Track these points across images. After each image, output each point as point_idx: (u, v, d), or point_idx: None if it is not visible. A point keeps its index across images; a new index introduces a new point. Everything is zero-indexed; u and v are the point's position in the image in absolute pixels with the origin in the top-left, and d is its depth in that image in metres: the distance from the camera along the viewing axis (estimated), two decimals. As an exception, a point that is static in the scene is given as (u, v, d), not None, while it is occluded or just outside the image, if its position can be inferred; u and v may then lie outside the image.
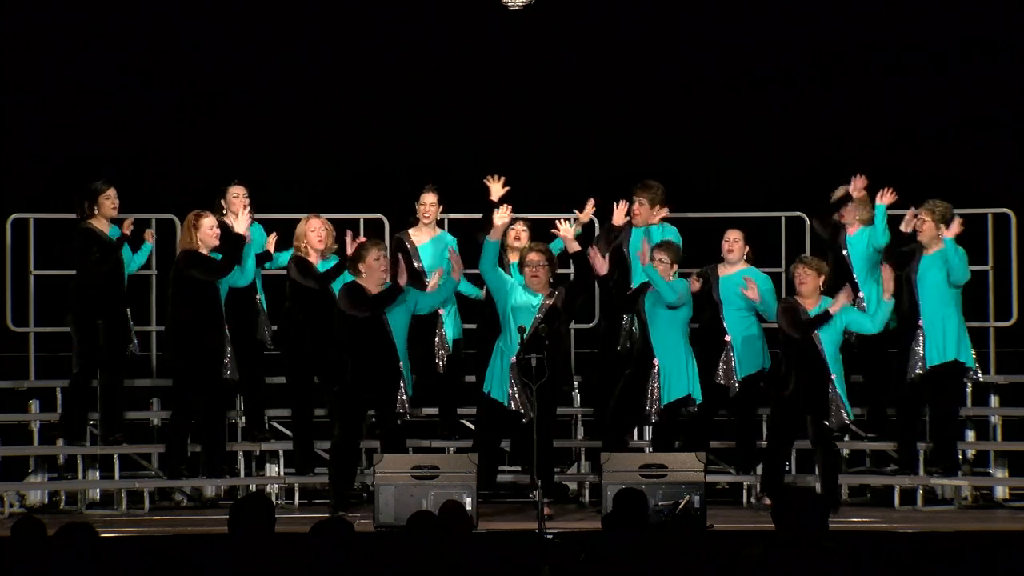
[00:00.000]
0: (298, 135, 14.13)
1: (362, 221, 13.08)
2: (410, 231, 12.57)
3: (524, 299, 11.56)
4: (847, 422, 11.67)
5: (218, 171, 13.30)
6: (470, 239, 12.57)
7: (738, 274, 12.18)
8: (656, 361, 11.80)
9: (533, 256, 11.67)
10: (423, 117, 14.11)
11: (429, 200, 12.53)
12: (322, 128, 14.18)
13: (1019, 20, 14.04)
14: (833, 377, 11.61)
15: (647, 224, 12.40)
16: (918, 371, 11.94)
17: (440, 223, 12.76)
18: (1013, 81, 14.13)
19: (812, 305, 11.71)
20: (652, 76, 14.26)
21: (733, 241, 12.24)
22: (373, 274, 11.58)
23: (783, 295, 12.29)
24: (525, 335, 11.36)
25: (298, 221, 12.53)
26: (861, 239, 12.33)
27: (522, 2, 12.67)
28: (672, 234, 12.45)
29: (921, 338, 11.94)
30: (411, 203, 12.62)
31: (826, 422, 11.61)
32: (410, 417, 11.83)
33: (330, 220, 12.51)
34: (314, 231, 12.26)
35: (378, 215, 13.10)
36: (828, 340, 11.65)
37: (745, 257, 12.26)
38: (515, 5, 12.68)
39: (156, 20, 14.07)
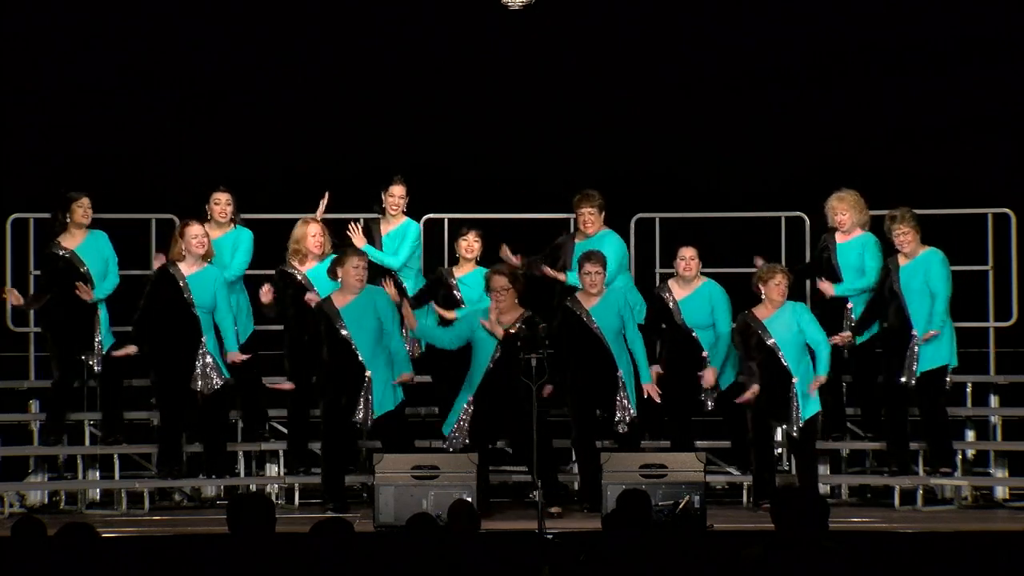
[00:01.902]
0: (298, 135, 14.13)
1: (362, 221, 13.07)
2: (380, 221, 12.57)
3: (485, 333, 11.53)
4: (799, 428, 11.66)
5: (218, 171, 13.31)
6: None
7: (697, 292, 12.16)
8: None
9: (497, 280, 11.61)
10: (423, 117, 14.11)
11: (398, 192, 12.52)
12: (322, 128, 14.17)
13: (1019, 20, 14.03)
14: (795, 380, 11.64)
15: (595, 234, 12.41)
16: (913, 378, 11.93)
17: (439, 223, 12.74)
18: (1013, 81, 14.12)
19: (771, 314, 11.71)
20: (652, 76, 14.26)
21: (689, 259, 12.17)
22: (348, 281, 11.64)
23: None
24: (485, 367, 11.33)
25: (296, 221, 12.55)
26: (852, 247, 12.29)
27: (522, 2, 12.67)
28: (614, 241, 12.45)
29: (916, 344, 11.93)
30: (379, 194, 12.60)
31: (784, 426, 11.65)
32: (399, 421, 11.78)
33: (330, 220, 12.50)
34: (313, 236, 12.26)
35: (378, 215, 13.09)
36: (785, 343, 11.64)
37: (699, 272, 12.25)
38: (515, 5, 12.68)
39: (156, 20, 14.06)
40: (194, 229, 11.98)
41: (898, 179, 13.26)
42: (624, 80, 14.24)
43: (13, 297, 12.21)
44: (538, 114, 14.15)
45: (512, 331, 11.50)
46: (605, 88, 14.23)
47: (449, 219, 13.12)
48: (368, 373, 11.59)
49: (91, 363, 12.22)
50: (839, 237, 12.35)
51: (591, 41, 14.24)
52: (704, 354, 12.11)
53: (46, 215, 12.86)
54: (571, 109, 14.20)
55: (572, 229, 12.82)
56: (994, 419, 12.68)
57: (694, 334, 12.13)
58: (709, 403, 12.13)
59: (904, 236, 11.99)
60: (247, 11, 14.11)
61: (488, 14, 13.16)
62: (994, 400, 12.77)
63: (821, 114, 14.19)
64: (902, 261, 12.04)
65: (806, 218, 13.14)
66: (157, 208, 13.12)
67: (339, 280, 11.75)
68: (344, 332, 11.60)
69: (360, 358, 11.59)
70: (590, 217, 12.42)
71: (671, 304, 12.16)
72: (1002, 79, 14.12)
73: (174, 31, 14.10)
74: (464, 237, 12.35)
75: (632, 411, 11.77)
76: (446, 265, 12.77)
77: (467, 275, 12.28)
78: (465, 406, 11.60)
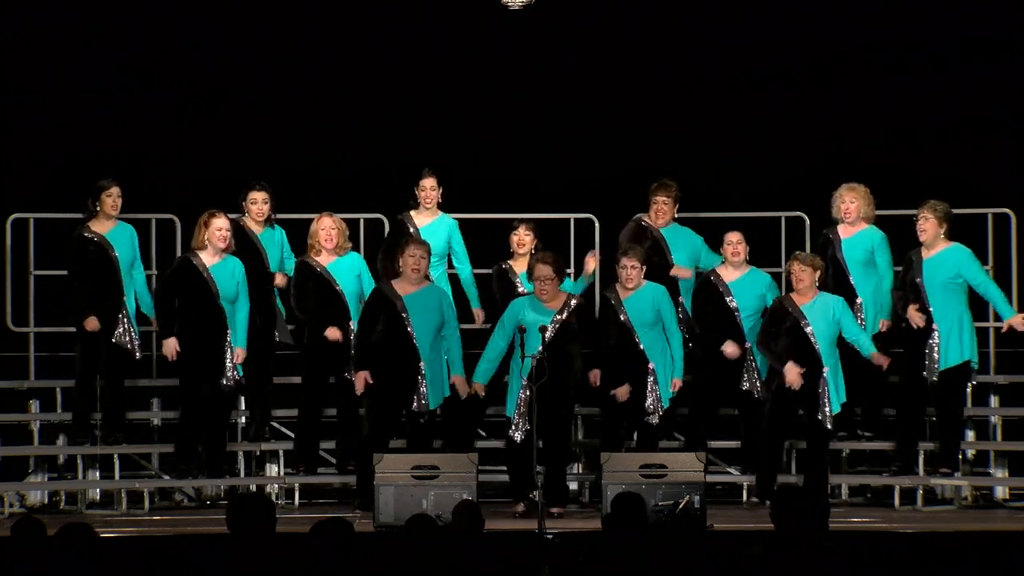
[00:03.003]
0: (298, 135, 14.13)
1: (362, 221, 13.08)
2: (412, 213, 12.57)
3: (535, 317, 11.53)
4: (829, 416, 11.69)
5: (218, 171, 13.32)
6: (464, 235, 12.62)
7: (746, 276, 12.18)
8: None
9: (541, 269, 11.60)
10: (423, 117, 14.11)
11: (429, 184, 12.53)
12: (322, 128, 14.17)
13: (1019, 20, 14.04)
14: (825, 370, 11.66)
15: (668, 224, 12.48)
16: (936, 375, 11.94)
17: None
18: (1013, 81, 14.13)
19: (806, 301, 11.75)
20: (652, 76, 14.26)
21: (737, 243, 12.19)
22: (405, 271, 11.65)
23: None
24: (535, 357, 11.27)
25: (297, 221, 12.58)
26: (859, 242, 12.30)
27: (522, 2, 12.67)
28: (687, 235, 12.51)
29: (936, 339, 11.94)
30: (410, 189, 12.60)
31: (819, 416, 11.68)
32: (432, 418, 11.81)
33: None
34: (324, 230, 12.24)
35: (378, 215, 13.09)
36: (820, 333, 11.68)
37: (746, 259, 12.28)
38: (515, 5, 12.68)
39: (156, 20, 14.06)
40: (219, 221, 11.91)
41: (898, 179, 13.26)
42: (624, 80, 14.24)
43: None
44: (538, 114, 14.16)
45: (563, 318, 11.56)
46: (605, 88, 14.24)
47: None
48: (422, 364, 11.59)
49: (134, 350, 12.19)
50: (843, 231, 12.34)
51: (591, 41, 14.24)
52: (748, 345, 12.10)
53: (46, 215, 12.90)
54: (571, 109, 14.20)
55: (635, 224, 12.67)
56: (994, 419, 12.68)
57: (739, 321, 12.12)
58: (756, 392, 12.09)
59: (923, 223, 11.97)
60: (247, 11, 14.11)
61: (488, 14, 13.16)
62: (994, 400, 12.77)
63: (821, 114, 14.20)
64: (925, 254, 12.03)
65: (806, 218, 13.14)
66: (157, 208, 13.12)
67: (399, 266, 11.73)
68: (406, 320, 11.58)
69: (417, 348, 11.59)
70: (664, 206, 12.47)
71: (721, 287, 12.16)
72: (1002, 79, 14.12)
73: (174, 31, 14.10)
74: (515, 232, 12.37)
75: (663, 404, 11.79)
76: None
77: (525, 271, 12.22)
78: (520, 392, 11.52)
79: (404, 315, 11.58)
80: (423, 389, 11.59)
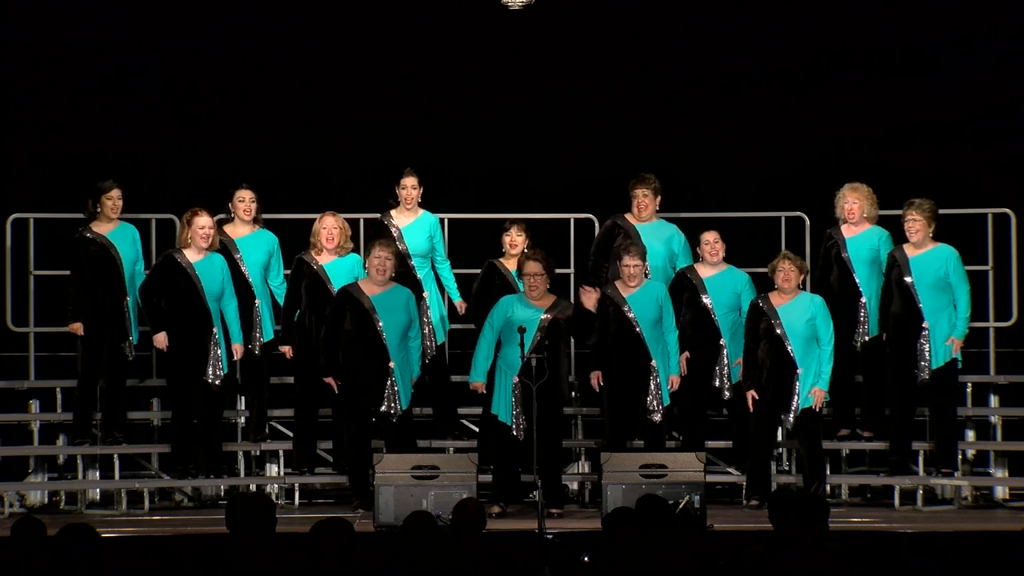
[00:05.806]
0: (298, 135, 14.13)
1: (362, 221, 13.07)
2: (392, 212, 12.57)
3: (524, 314, 11.54)
4: (794, 417, 11.73)
5: (218, 171, 13.31)
6: (465, 235, 12.60)
7: (722, 274, 12.17)
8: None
9: (531, 266, 11.62)
10: (422, 117, 14.11)
11: (410, 183, 12.52)
12: (322, 128, 14.18)
13: (1018, 20, 14.04)
14: (799, 372, 11.71)
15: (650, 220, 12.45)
16: (926, 373, 11.95)
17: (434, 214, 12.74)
18: (1013, 81, 14.13)
19: (785, 301, 11.75)
20: (652, 76, 14.26)
21: (714, 242, 12.18)
22: (370, 271, 11.69)
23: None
24: (525, 351, 11.29)
25: (297, 221, 12.58)
26: (864, 241, 12.30)
27: (522, 2, 12.68)
28: (667, 232, 12.48)
29: (927, 338, 11.94)
30: (391, 188, 12.61)
31: (783, 416, 11.76)
32: (399, 416, 11.75)
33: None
34: (325, 229, 12.25)
35: (378, 215, 13.09)
36: (795, 333, 11.70)
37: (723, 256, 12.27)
38: (515, 5, 12.69)
39: (156, 20, 14.06)
40: (201, 220, 11.94)
41: (898, 179, 13.26)
42: (624, 80, 14.24)
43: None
44: (538, 114, 14.16)
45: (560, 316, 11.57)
46: (605, 88, 14.24)
47: (449, 219, 13.11)
48: (392, 364, 11.58)
49: (127, 352, 12.18)
50: (847, 231, 12.34)
51: (591, 41, 14.24)
52: (722, 341, 12.10)
53: (46, 215, 12.90)
54: (571, 109, 14.20)
55: (610, 223, 12.65)
56: (994, 419, 12.68)
57: (714, 318, 12.12)
58: (726, 392, 12.12)
59: (914, 223, 11.98)
60: (247, 10, 14.11)
61: (488, 14, 13.16)
62: (994, 400, 12.78)
63: (821, 114, 14.20)
64: (910, 252, 12.03)
65: (806, 218, 13.15)
66: (157, 208, 13.13)
67: (366, 269, 11.80)
68: (376, 321, 11.58)
69: (387, 348, 11.58)
70: (644, 200, 12.43)
71: (695, 281, 12.15)
72: (1001, 79, 14.13)
73: (174, 31, 14.10)
74: (507, 232, 12.35)
75: (664, 402, 11.81)
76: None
77: (516, 270, 12.20)
78: (513, 388, 11.51)
79: (373, 315, 11.59)
80: (395, 389, 11.59)
